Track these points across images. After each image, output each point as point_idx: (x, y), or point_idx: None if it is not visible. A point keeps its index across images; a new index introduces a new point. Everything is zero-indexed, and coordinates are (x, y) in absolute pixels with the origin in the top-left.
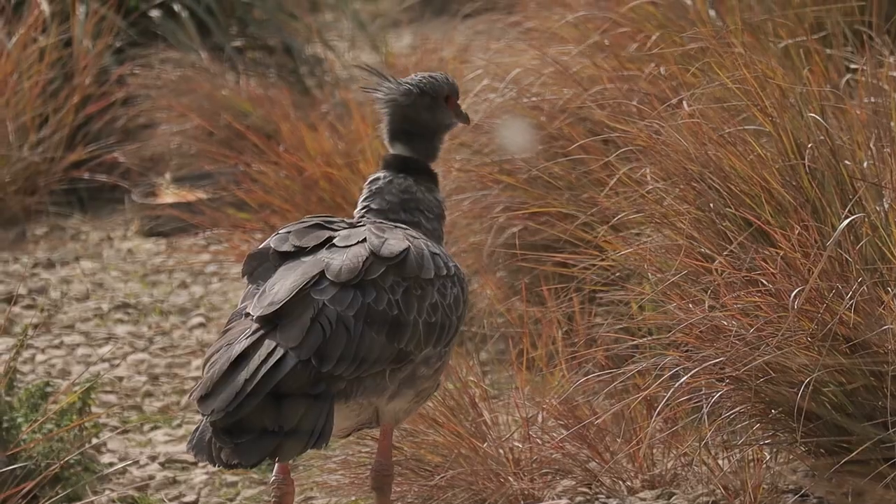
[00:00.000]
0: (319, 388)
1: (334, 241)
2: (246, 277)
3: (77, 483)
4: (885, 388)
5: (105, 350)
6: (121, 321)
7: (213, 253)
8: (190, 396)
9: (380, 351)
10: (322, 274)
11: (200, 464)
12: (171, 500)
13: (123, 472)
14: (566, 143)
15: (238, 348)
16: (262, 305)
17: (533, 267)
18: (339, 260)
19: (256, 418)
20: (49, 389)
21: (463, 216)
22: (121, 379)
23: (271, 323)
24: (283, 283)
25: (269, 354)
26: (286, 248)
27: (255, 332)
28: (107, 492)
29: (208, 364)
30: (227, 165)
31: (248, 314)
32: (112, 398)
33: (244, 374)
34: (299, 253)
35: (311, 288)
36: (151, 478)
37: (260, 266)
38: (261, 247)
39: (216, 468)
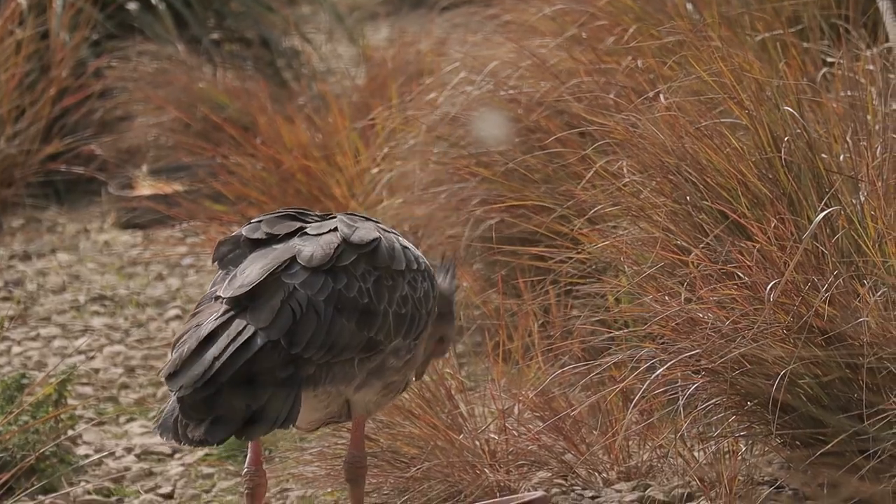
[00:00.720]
0: (288, 370)
1: (306, 230)
2: (216, 263)
3: (53, 475)
4: (861, 381)
5: (81, 342)
6: (97, 313)
7: (189, 245)
8: (159, 374)
9: (350, 337)
10: (293, 259)
11: (173, 450)
12: (146, 491)
13: (99, 463)
14: (543, 136)
15: (208, 328)
16: (232, 287)
17: (509, 260)
18: (311, 247)
19: (224, 396)
20: (25, 381)
21: (440, 209)
22: (97, 371)
23: (241, 305)
24: (254, 268)
25: (239, 333)
26: (258, 235)
27: (225, 314)
28: (82, 483)
29: (178, 344)
30: (203, 158)
31: (218, 297)
32: (88, 390)
33: (213, 352)
34: (270, 241)
35: (282, 272)
36: (127, 469)
37: (231, 252)
38: (232, 234)
39: (182, 446)
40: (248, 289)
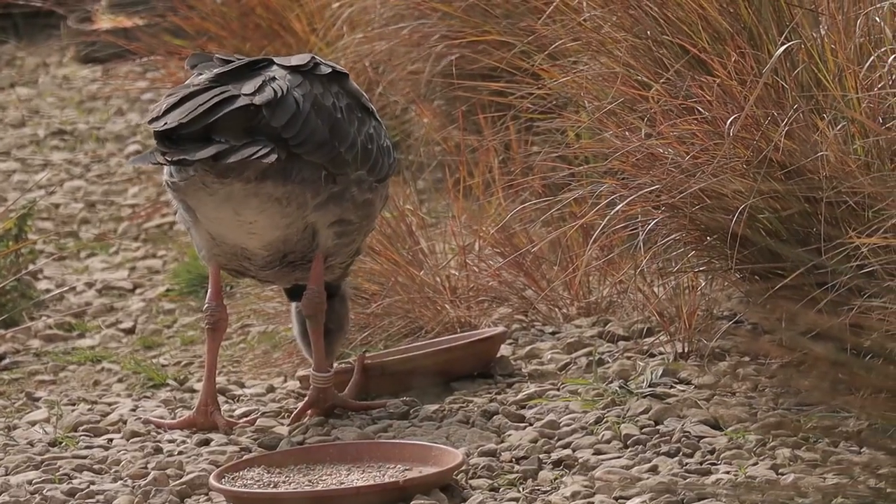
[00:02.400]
0: (266, 138)
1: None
2: (191, 67)
3: (13, 309)
4: (819, 214)
5: (41, 176)
6: (57, 148)
7: (149, 80)
8: (143, 118)
9: (322, 140)
10: (271, 62)
11: (134, 285)
12: (107, 326)
13: (60, 298)
14: None
15: (190, 90)
16: (212, 72)
17: (470, 95)
18: (286, 58)
19: (204, 135)
20: None
21: (401, 44)
22: (57, 206)
23: (222, 82)
24: (230, 65)
25: (224, 92)
26: (229, 58)
27: (207, 83)
28: (43, 318)
29: (161, 101)
30: None
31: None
32: (48, 225)
33: (198, 101)
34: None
35: (261, 69)
36: (88, 304)
37: (205, 62)
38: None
39: (157, 165)
40: (226, 69)
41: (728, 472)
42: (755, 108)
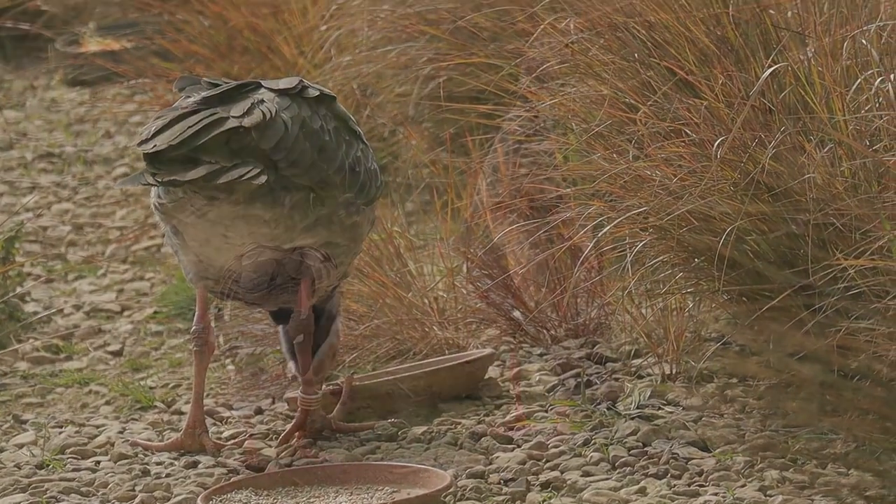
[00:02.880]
0: (255, 161)
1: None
2: (178, 90)
3: (1, 332)
4: (807, 236)
5: (29, 199)
6: (45, 170)
7: (137, 102)
8: (132, 142)
9: (311, 162)
10: (259, 85)
11: (122, 307)
12: (95, 348)
13: (48, 320)
14: None
15: (178, 112)
16: (201, 95)
17: (458, 118)
18: (275, 81)
19: (192, 157)
20: None
21: (388, 67)
22: (45, 228)
23: (210, 104)
24: (221, 87)
25: (212, 114)
26: (217, 81)
27: (195, 106)
28: (31, 340)
29: (150, 124)
30: (151, 14)
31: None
32: (36, 247)
33: (187, 123)
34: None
35: (249, 92)
36: (76, 327)
37: (193, 84)
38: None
39: (147, 186)
40: (215, 92)
41: (716, 494)
42: (742, 131)
